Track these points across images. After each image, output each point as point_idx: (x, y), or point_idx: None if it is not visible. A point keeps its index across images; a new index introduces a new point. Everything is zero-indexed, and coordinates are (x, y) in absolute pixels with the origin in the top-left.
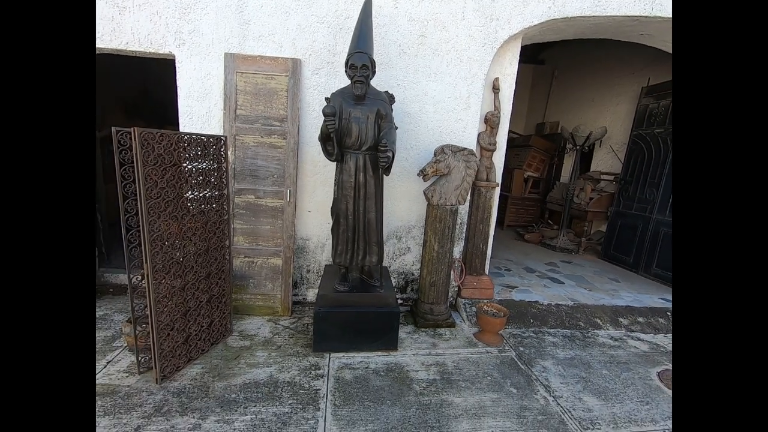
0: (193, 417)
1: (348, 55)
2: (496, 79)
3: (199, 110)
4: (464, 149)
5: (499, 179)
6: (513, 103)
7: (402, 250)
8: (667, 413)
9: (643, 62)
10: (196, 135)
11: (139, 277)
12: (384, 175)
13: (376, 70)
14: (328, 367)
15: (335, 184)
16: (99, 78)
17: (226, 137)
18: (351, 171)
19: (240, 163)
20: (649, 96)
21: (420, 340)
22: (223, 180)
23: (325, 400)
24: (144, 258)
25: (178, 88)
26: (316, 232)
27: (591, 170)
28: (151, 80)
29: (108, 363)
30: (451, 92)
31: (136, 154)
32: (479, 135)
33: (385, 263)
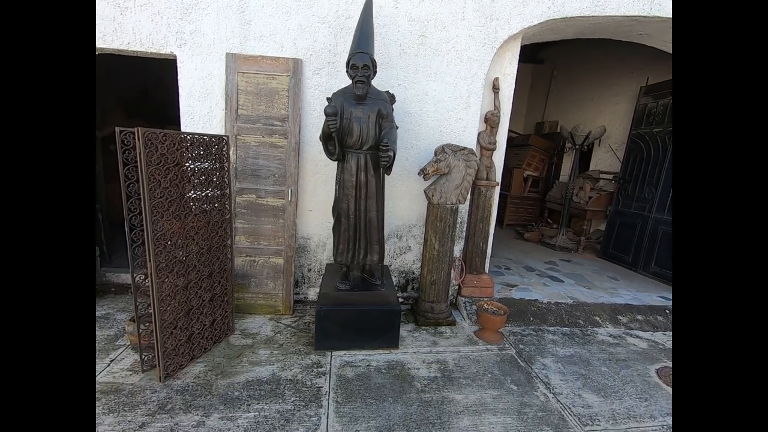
0: (197, 414)
1: (349, 55)
2: (496, 78)
3: (201, 110)
4: (464, 148)
5: (499, 178)
6: (512, 103)
7: (403, 249)
8: (665, 409)
9: (642, 62)
10: (199, 135)
11: (143, 276)
12: (385, 175)
13: (377, 70)
14: (330, 364)
15: (337, 183)
16: (99, 78)
17: (228, 137)
18: (352, 170)
19: (241, 163)
20: (648, 95)
21: (421, 338)
22: (225, 179)
23: (327, 397)
24: (147, 257)
25: (180, 88)
26: (317, 231)
27: (590, 169)
28: (152, 80)
29: (111, 361)
30: (452, 92)
31: (139, 153)
32: (479, 134)
33: (385, 262)
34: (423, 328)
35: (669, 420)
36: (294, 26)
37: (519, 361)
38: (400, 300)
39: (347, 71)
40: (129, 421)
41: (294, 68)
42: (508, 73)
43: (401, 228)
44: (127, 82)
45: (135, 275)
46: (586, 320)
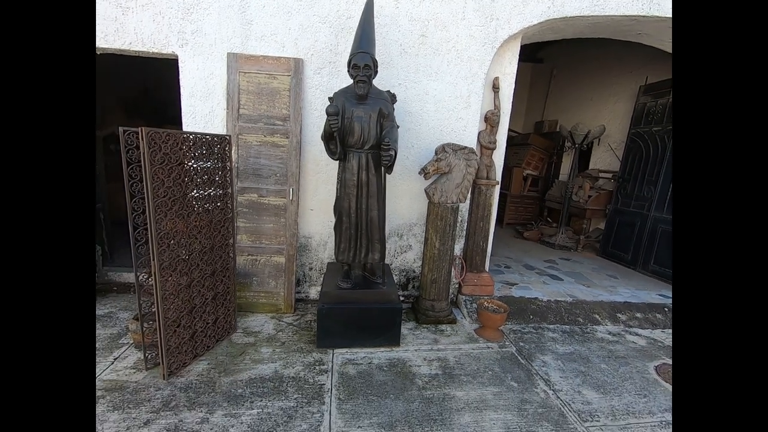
0: (201, 411)
1: (350, 55)
2: (496, 78)
3: (202, 110)
4: (465, 148)
5: (499, 177)
6: (512, 102)
7: (403, 248)
8: (664, 405)
9: (641, 61)
10: (201, 134)
11: (146, 274)
12: (386, 174)
13: (378, 69)
14: (332, 362)
15: (338, 182)
16: (99, 77)
17: (230, 136)
18: (354, 169)
19: (243, 162)
20: (647, 94)
21: (422, 336)
22: (227, 179)
23: (329, 394)
24: (151, 255)
25: (181, 88)
26: (318, 230)
27: (589, 168)
28: (152, 80)
29: (115, 359)
30: (452, 91)
31: (143, 153)
32: (479, 133)
33: (386, 261)
34: (424, 326)
35: (667, 416)
36: (295, 26)
37: (519, 358)
38: (401, 298)
39: (348, 71)
40: (134, 418)
41: (295, 68)
42: (508, 72)
43: (402, 227)
44: (127, 81)
45: (138, 274)
46: (585, 318)
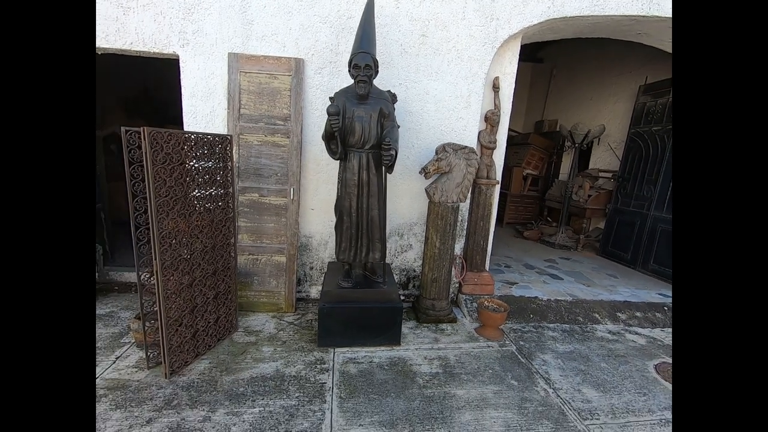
0: (203, 410)
1: (351, 55)
2: (496, 78)
3: (203, 109)
4: (465, 147)
5: (499, 177)
6: (512, 102)
7: (404, 247)
8: (663, 404)
9: (641, 61)
10: (202, 134)
11: (148, 273)
12: (387, 173)
13: (379, 69)
14: (333, 361)
15: (339, 182)
16: (99, 77)
17: (231, 136)
18: (354, 169)
19: (244, 162)
20: (647, 94)
21: (422, 335)
22: (229, 178)
23: (331, 393)
24: (153, 255)
25: (182, 88)
26: (318, 229)
27: (589, 168)
28: (152, 79)
29: (117, 359)
30: (452, 91)
31: (145, 153)
32: (480, 133)
33: (387, 260)
34: (424, 325)
35: (667, 414)
36: (296, 26)
37: (519, 357)
38: (402, 297)
39: (349, 71)
40: (136, 417)
41: (296, 68)
42: (508, 72)
43: (402, 226)
44: (127, 81)
45: (140, 273)
46: (585, 317)
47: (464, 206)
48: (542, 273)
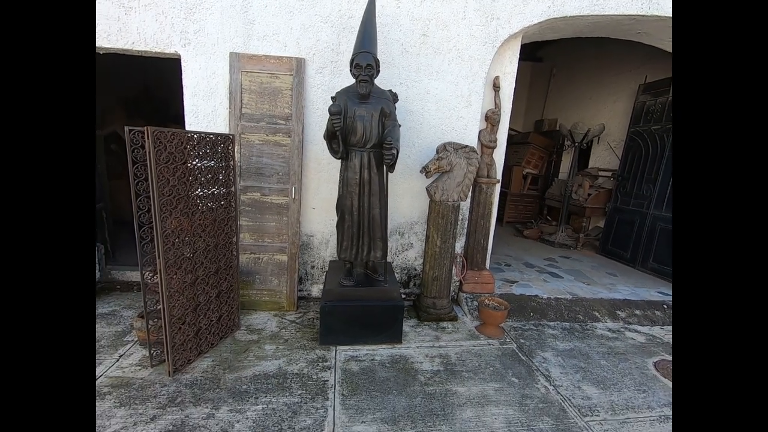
0: (207, 407)
1: (353, 54)
2: (497, 77)
3: (205, 109)
4: (466, 146)
5: (499, 176)
6: (512, 101)
7: (405, 246)
8: (663, 400)
9: (640, 60)
10: (205, 134)
11: (151, 272)
12: (388, 172)
13: (380, 69)
14: (335, 359)
15: (340, 181)
16: (99, 77)
17: (233, 135)
18: (356, 168)
19: (246, 161)
20: (646, 93)
21: (423, 333)
22: (231, 178)
23: (333, 390)
24: (157, 254)
25: (184, 87)
26: (320, 228)
27: (589, 167)
28: (152, 79)
29: (120, 357)
30: (453, 90)
31: (149, 152)
32: (480, 132)
33: (388, 259)
34: (425, 323)
35: (666, 410)
36: (297, 26)
37: (520, 354)
38: (403, 296)
39: (351, 70)
40: (140, 414)
41: (297, 67)
42: (509, 71)
43: (403, 225)
44: (127, 81)
45: (144, 272)
46: (585, 315)
47: (465, 205)
48: (542, 271)
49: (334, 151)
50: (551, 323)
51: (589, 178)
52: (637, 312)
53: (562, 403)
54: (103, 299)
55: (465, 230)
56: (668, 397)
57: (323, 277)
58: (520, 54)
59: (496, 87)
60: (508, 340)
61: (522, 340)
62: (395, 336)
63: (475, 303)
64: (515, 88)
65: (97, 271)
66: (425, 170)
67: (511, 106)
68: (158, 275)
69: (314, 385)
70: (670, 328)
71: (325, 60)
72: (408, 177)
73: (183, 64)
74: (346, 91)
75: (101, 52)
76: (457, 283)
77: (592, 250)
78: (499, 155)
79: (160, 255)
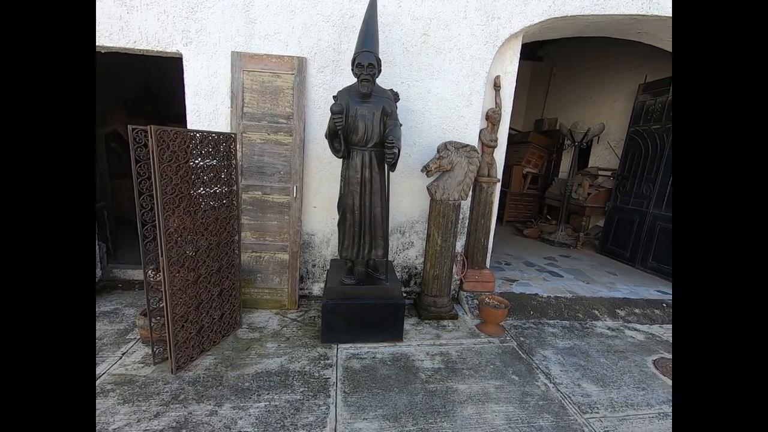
0: (210, 404)
1: (354, 54)
2: (497, 76)
3: (207, 108)
4: (466, 146)
5: (500, 175)
6: (513, 100)
7: (405, 245)
8: (662, 398)
9: (640, 59)
10: (207, 132)
11: (154, 271)
12: (389, 171)
13: (382, 68)
14: (337, 357)
15: (342, 180)
16: (99, 76)
17: (235, 134)
18: (357, 167)
19: (247, 160)
20: (646, 93)
21: (424, 332)
22: (233, 176)
23: (335, 388)
24: (160, 252)
25: (186, 87)
26: (321, 227)
27: (589, 166)
28: (153, 78)
29: (123, 354)
30: (454, 90)
31: (152, 151)
32: (481, 132)
33: (389, 257)
34: (426, 321)
35: (665, 408)
36: (298, 25)
37: (520, 352)
38: (404, 294)
39: (352, 70)
40: (144, 411)
41: (298, 66)
42: (509, 71)
43: (404, 224)
44: (128, 80)
45: (147, 270)
46: (585, 314)
47: (465, 204)
48: (542, 270)
49: (335, 150)
50: (551, 321)
51: (588, 178)
52: (637, 310)
53: (562, 401)
54: (105, 297)
55: (465, 229)
56: (667, 394)
57: (324, 275)
58: (520, 53)
59: (496, 86)
60: (508, 338)
61: (522, 339)
62: (396, 334)
63: (476, 301)
64: (516, 88)
65: (98, 269)
66: (426, 169)
67: (511, 105)
68: (161, 273)
69: (316, 382)
70: (669, 326)
71: (326, 59)
72: (409, 176)
73: (185, 63)
74: (347, 91)
75: (103, 51)
76: (458, 282)
77: (591, 249)
78: (500, 154)
79: (163, 253)
